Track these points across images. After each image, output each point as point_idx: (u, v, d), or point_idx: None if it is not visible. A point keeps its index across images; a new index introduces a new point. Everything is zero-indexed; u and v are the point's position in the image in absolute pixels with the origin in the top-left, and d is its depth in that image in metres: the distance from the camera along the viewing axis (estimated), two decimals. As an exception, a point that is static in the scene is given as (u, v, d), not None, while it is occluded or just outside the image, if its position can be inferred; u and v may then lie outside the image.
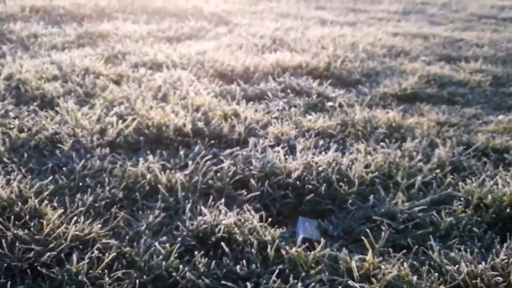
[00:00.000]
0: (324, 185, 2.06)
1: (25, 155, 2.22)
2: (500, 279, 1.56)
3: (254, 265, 1.57)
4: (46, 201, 1.83)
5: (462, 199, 2.04)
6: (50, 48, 4.19)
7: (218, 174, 2.12)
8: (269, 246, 1.64)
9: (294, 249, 1.66)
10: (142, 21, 5.53)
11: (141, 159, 2.15)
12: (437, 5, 8.78)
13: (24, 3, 5.92)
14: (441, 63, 4.51)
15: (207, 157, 2.21)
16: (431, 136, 2.70)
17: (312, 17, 6.49)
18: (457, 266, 1.60)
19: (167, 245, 1.62)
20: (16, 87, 3.07)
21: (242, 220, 1.76)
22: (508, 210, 1.94)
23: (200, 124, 2.61)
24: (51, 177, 2.02)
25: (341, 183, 2.10)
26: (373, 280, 1.55)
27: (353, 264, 1.57)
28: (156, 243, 1.63)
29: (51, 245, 1.58)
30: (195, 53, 4.17)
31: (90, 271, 1.50)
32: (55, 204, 1.84)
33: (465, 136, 2.77)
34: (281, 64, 3.95)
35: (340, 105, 3.14)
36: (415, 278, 1.55)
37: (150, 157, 2.20)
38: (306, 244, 1.71)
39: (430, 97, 3.57)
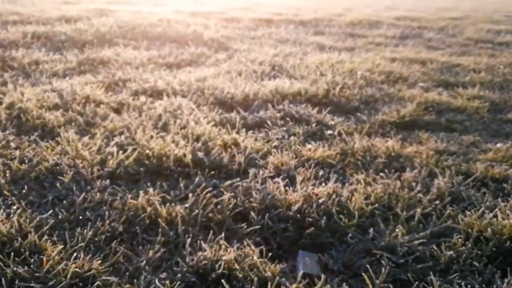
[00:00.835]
0: (324, 217, 2.06)
1: (26, 187, 2.23)
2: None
3: (254, 302, 1.56)
4: (46, 236, 1.83)
5: (462, 231, 2.04)
6: (51, 75, 4.23)
7: (219, 207, 2.12)
8: (269, 283, 1.64)
9: (294, 285, 1.65)
10: (143, 47, 5.59)
11: (141, 192, 2.16)
12: (434, 29, 8.89)
13: (26, 29, 6.00)
14: (439, 89, 4.56)
15: (207, 189, 2.22)
16: (430, 166, 2.71)
17: (311, 43, 6.57)
18: (458, 302, 1.59)
19: (167, 281, 1.61)
20: (17, 116, 3.09)
21: (243, 255, 1.76)
22: (508, 243, 1.94)
23: (200, 155, 2.62)
24: (51, 211, 2.02)
25: (341, 216, 2.10)
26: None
27: (354, 301, 1.56)
28: (156, 280, 1.63)
29: (51, 283, 1.58)
30: (195, 80, 4.21)
31: (90, 310, 1.49)
32: (55, 238, 1.84)
33: (464, 165, 2.78)
34: (280, 91, 3.98)
35: (339, 134, 3.16)
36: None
37: (150, 190, 2.20)
38: (307, 279, 1.70)
39: (429, 124, 3.59)
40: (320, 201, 2.18)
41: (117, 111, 3.37)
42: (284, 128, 3.24)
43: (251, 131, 3.12)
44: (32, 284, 1.57)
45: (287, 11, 10.01)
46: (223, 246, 1.82)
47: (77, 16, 7.31)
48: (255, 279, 1.66)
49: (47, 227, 1.90)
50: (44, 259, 1.67)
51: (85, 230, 1.88)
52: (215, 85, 4.05)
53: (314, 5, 12.61)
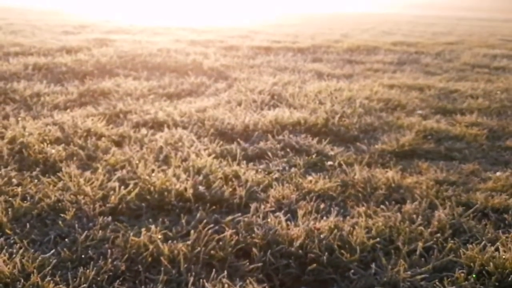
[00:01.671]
0: (326, 253, 2.07)
1: (28, 225, 2.23)
2: None
3: None
4: (48, 277, 1.83)
5: (464, 265, 2.04)
6: (52, 108, 4.27)
7: (221, 243, 2.12)
8: (272, 323, 1.64)
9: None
10: (143, 77, 5.65)
11: (143, 229, 2.16)
12: (431, 54, 9.00)
13: (27, 61, 6.07)
14: (437, 116, 4.59)
15: (209, 225, 2.22)
16: (431, 197, 2.72)
17: (309, 70, 6.64)
18: None
19: (170, 323, 1.61)
20: (19, 151, 3.11)
21: (245, 294, 1.76)
22: (511, 277, 1.94)
23: (202, 189, 2.63)
24: (53, 250, 2.02)
25: (343, 250, 2.10)
26: None
27: None
28: (159, 321, 1.62)
29: (54, 326, 1.57)
30: (196, 110, 4.25)
31: None
32: (58, 279, 1.84)
33: (464, 195, 2.79)
34: (280, 121, 4.02)
35: (340, 164, 3.18)
36: None
37: (152, 226, 2.21)
38: (310, 318, 1.70)
39: (428, 153, 3.61)
40: (322, 236, 2.19)
41: (119, 144, 3.39)
42: (285, 159, 3.26)
43: (251, 163, 3.14)
44: (34, 328, 1.56)
45: (285, 38, 10.14)
46: (226, 285, 1.82)
47: (78, 46, 7.40)
48: (258, 319, 1.65)
49: (49, 267, 1.90)
50: (47, 301, 1.67)
51: (88, 270, 1.88)
52: (215, 115, 4.09)
53: (312, 31, 12.77)
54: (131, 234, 2.15)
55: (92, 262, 1.94)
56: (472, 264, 2.03)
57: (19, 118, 3.82)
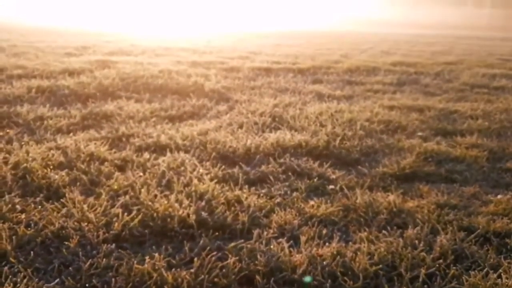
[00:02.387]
0: (329, 280, 2.08)
1: (32, 253, 2.24)
2: None
3: None
4: (53, 307, 1.84)
5: (467, 292, 2.05)
6: (55, 132, 4.30)
7: (224, 270, 2.13)
8: None
9: None
10: (145, 100, 5.69)
11: (147, 257, 2.17)
12: (430, 74, 9.07)
13: (31, 83, 6.12)
14: (438, 138, 4.62)
15: (212, 252, 2.24)
16: (432, 221, 2.74)
17: (310, 92, 6.69)
18: None
19: None
20: (23, 176, 3.13)
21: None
22: (513, 305, 1.95)
23: (204, 214, 2.65)
24: (58, 279, 2.03)
25: (345, 277, 2.11)
26: None
27: None
28: None
29: None
30: (197, 133, 4.28)
31: None
32: (62, 308, 1.85)
33: (465, 219, 2.81)
34: (281, 144, 4.05)
35: (341, 188, 3.19)
36: None
37: (156, 254, 2.22)
38: None
39: (429, 176, 3.63)
40: (325, 262, 2.20)
41: (121, 168, 3.42)
42: (287, 183, 3.28)
43: (253, 187, 3.16)
44: None
45: (285, 59, 10.23)
46: (230, 314, 1.83)
47: (80, 68, 7.47)
48: None
49: (53, 296, 1.91)
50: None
51: (92, 299, 1.89)
52: (217, 138, 4.12)
53: (311, 51, 12.89)
54: (135, 262, 2.16)
55: (96, 291, 1.95)
56: (475, 291, 2.04)
57: (23, 143, 3.85)
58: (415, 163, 3.79)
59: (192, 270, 2.11)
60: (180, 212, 2.63)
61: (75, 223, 2.51)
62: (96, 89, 6.07)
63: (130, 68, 7.63)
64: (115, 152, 3.71)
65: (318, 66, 9.44)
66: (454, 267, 2.24)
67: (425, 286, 2.11)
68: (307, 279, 2.06)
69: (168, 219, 2.58)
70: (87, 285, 2.01)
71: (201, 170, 3.37)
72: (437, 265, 2.26)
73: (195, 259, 2.19)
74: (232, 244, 2.37)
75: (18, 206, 2.70)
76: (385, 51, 13.98)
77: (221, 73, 8.04)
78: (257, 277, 2.09)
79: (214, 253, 2.24)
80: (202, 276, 2.07)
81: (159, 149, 3.90)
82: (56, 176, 3.13)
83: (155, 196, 2.86)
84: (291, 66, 9.25)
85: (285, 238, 2.44)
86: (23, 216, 2.57)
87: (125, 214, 2.59)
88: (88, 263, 2.14)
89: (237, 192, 3.01)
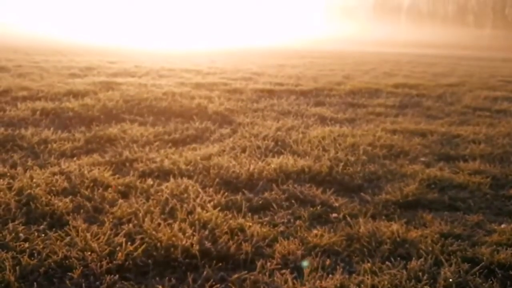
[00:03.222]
0: (333, 314, 2.07)
1: (35, 284, 2.24)
2: None
3: None
4: None
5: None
6: (59, 156, 4.32)
7: (227, 304, 2.13)
8: None
9: None
10: (149, 123, 5.73)
11: (150, 289, 2.17)
12: (432, 97, 9.11)
13: (35, 105, 6.17)
14: (440, 163, 4.63)
15: (215, 284, 2.23)
16: (436, 252, 2.73)
17: (312, 114, 6.72)
18: None
19: None
20: (27, 203, 3.14)
21: None
22: None
23: (208, 244, 2.65)
24: (61, 312, 2.03)
25: (349, 311, 2.10)
26: None
27: None
28: None
29: None
30: (201, 158, 4.29)
31: None
32: None
33: (469, 250, 2.79)
34: (284, 170, 4.06)
35: (344, 217, 3.19)
36: None
37: (160, 286, 2.21)
38: None
39: (432, 203, 3.63)
40: (328, 296, 2.19)
41: (125, 195, 3.42)
42: (290, 211, 3.28)
43: (257, 215, 3.16)
44: None
45: (288, 80, 10.30)
46: None
47: (84, 90, 7.53)
48: None
49: (56, 330, 1.91)
50: None
51: (95, 333, 1.89)
52: (220, 163, 4.13)
53: (314, 72, 12.97)
54: (138, 294, 2.16)
55: (99, 324, 1.94)
56: (479, 326, 2.03)
57: (27, 167, 3.87)
58: (418, 190, 3.79)
59: (195, 303, 2.10)
60: (184, 242, 2.63)
61: (79, 253, 2.51)
62: (100, 112, 6.11)
63: (134, 90, 7.68)
64: (118, 178, 3.72)
65: (320, 88, 9.50)
66: (459, 301, 2.23)
67: (430, 321, 2.10)
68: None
69: (172, 249, 2.58)
70: (90, 318, 2.01)
71: (204, 197, 3.38)
72: (441, 299, 2.25)
73: (199, 291, 2.18)
74: (236, 275, 2.36)
75: (21, 235, 2.70)
76: (387, 72, 14.06)
77: (224, 95, 8.10)
78: (261, 310, 2.08)
79: (218, 285, 2.24)
80: (206, 310, 2.06)
81: (163, 174, 3.91)
82: (60, 203, 3.14)
83: (159, 224, 2.86)
84: (294, 87, 9.31)
85: (289, 269, 2.44)
86: (26, 245, 2.57)
87: (129, 243, 2.59)
88: (91, 295, 2.14)
89: (240, 220, 3.01)
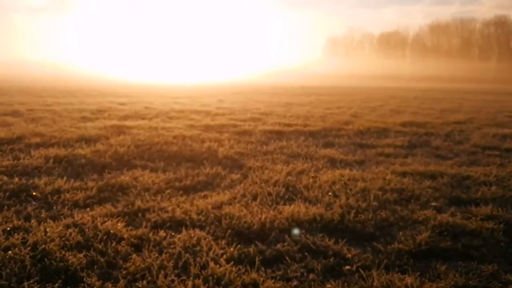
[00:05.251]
0: None
1: None
2: None
3: None
4: None
5: None
6: (72, 206, 4.37)
7: None
8: None
9: None
10: (160, 169, 5.78)
11: None
12: (440, 136, 9.14)
13: (48, 153, 6.26)
14: (452, 208, 4.61)
15: None
16: (452, 307, 2.70)
17: (322, 157, 6.76)
18: None
19: None
20: (41, 259, 3.16)
21: None
22: None
23: (222, 302, 2.65)
24: None
25: None
26: None
27: None
28: None
29: None
30: (212, 207, 4.32)
31: None
32: None
33: (485, 304, 2.77)
34: (296, 219, 4.06)
35: (357, 269, 3.18)
36: None
37: None
38: None
39: (445, 252, 3.60)
40: None
41: (138, 248, 3.44)
42: (303, 264, 3.27)
43: (270, 269, 3.15)
44: None
45: (296, 121, 10.39)
46: None
47: (96, 135, 7.65)
48: None
49: None
50: None
51: None
52: (231, 213, 4.15)
53: (321, 111, 13.08)
54: None
55: None
56: None
57: (41, 220, 3.91)
58: (431, 238, 3.77)
59: None
60: (198, 300, 2.63)
61: (94, 313, 2.51)
62: (112, 158, 6.19)
63: (145, 134, 7.79)
64: (131, 230, 3.75)
65: (328, 128, 9.57)
66: None
67: None
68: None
69: (186, 308, 2.58)
70: None
71: (217, 250, 3.38)
72: None
73: None
74: (251, 336, 2.35)
75: (37, 294, 2.72)
76: (394, 110, 14.15)
77: (233, 137, 8.18)
78: None
79: None
80: None
81: (175, 224, 3.93)
82: (74, 259, 3.16)
83: (172, 281, 2.87)
84: (302, 128, 9.39)
85: (304, 329, 2.42)
86: (42, 305, 2.58)
87: (143, 302, 2.59)
88: None
89: (254, 275, 3.01)
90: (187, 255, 3.28)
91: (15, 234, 3.56)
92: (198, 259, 3.21)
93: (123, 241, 3.52)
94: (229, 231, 3.80)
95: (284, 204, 4.54)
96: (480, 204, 4.72)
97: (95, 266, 3.10)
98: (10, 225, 3.76)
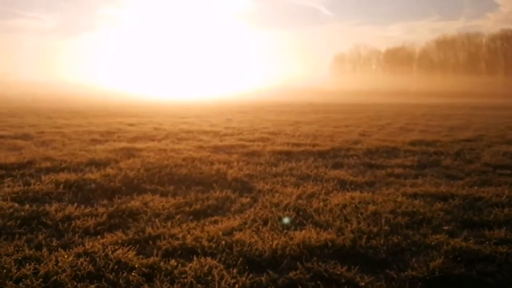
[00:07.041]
0: None
1: None
2: None
3: None
4: None
5: None
6: (83, 233, 4.37)
7: None
8: None
9: None
10: (170, 193, 5.78)
11: None
12: (450, 154, 9.08)
13: (59, 178, 6.28)
14: (465, 232, 4.56)
15: None
16: None
17: (332, 178, 6.73)
18: None
19: None
20: (53, 291, 3.16)
21: None
22: None
23: (235, 336, 2.62)
24: None
25: None
26: None
27: None
28: None
29: None
30: (223, 233, 4.30)
31: None
32: None
33: (503, 336, 2.72)
34: (307, 245, 4.04)
35: (371, 298, 3.14)
36: None
37: None
38: None
39: (460, 279, 3.55)
40: None
41: (149, 277, 3.43)
42: (315, 293, 3.24)
43: (282, 299, 3.13)
44: None
45: (305, 140, 10.38)
46: None
47: (106, 159, 7.67)
48: None
49: None
50: None
51: None
52: (242, 239, 4.13)
53: (330, 129, 13.06)
54: None
55: None
56: None
57: (52, 248, 3.91)
58: (445, 265, 3.73)
59: None
60: (211, 334, 2.61)
61: None
62: (122, 182, 6.20)
63: (155, 157, 7.81)
64: (142, 258, 3.74)
65: (337, 147, 9.55)
66: None
67: None
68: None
69: None
70: None
71: (228, 279, 3.36)
72: None
73: None
74: None
75: (49, 328, 2.71)
76: (403, 128, 14.11)
77: (242, 159, 8.18)
78: None
79: None
80: None
81: (186, 252, 3.92)
82: (86, 290, 3.15)
83: (185, 313, 2.85)
84: (311, 148, 9.37)
85: None
86: None
87: (156, 336, 2.57)
88: None
89: (266, 306, 2.98)
90: (199, 285, 3.26)
91: (27, 264, 3.57)
92: (210, 289, 3.19)
93: (134, 271, 3.51)
94: (241, 259, 3.78)
95: (295, 229, 4.51)
96: (493, 227, 4.67)
97: (107, 298, 3.09)
98: (22, 255, 3.77)
